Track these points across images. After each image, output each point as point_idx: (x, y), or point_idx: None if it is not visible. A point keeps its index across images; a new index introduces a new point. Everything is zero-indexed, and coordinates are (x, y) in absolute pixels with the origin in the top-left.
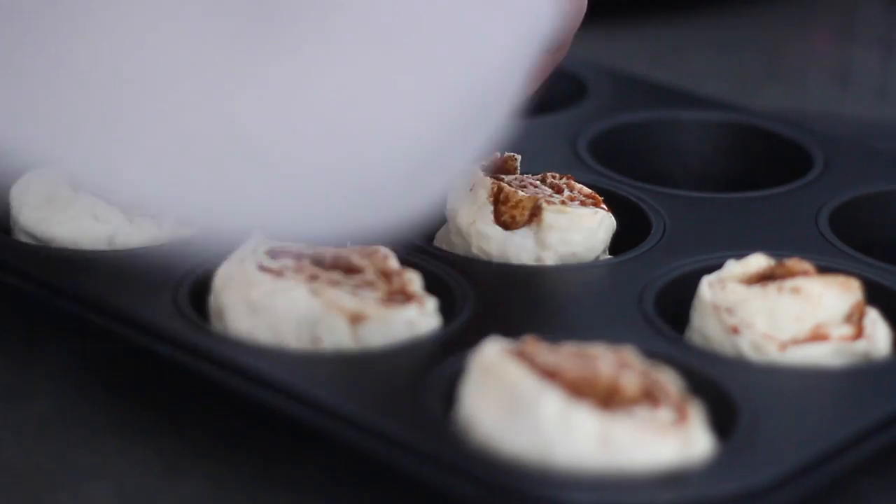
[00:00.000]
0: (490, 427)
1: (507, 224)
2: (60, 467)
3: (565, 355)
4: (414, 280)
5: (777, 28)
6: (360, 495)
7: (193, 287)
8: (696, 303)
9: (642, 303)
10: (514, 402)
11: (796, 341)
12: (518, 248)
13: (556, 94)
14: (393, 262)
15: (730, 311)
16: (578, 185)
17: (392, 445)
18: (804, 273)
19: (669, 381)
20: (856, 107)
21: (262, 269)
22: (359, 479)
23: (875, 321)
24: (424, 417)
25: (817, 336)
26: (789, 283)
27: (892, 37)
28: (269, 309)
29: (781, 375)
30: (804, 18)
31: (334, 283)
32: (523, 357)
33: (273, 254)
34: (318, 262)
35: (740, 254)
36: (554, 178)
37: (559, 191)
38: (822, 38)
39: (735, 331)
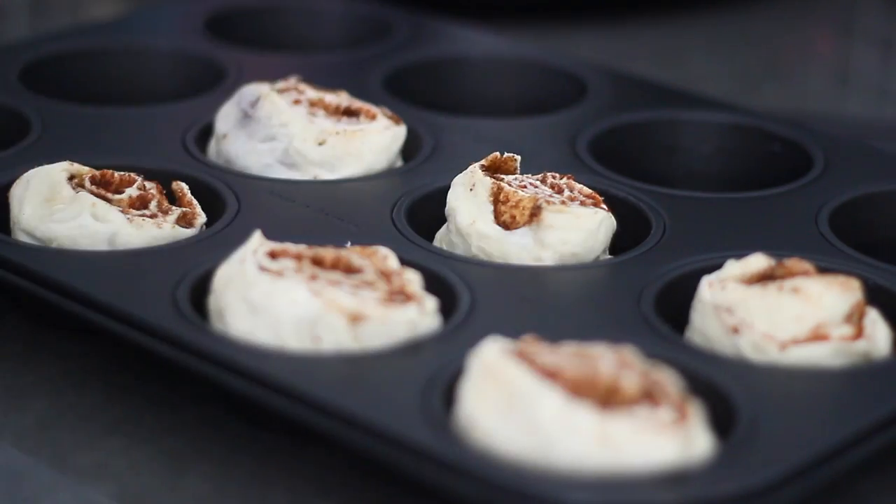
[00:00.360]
0: (490, 427)
1: (507, 224)
2: (60, 467)
3: (565, 355)
4: (413, 280)
5: (777, 28)
6: (359, 495)
7: (193, 287)
8: (697, 303)
9: (642, 303)
10: (513, 402)
11: (796, 341)
12: (518, 247)
13: (556, 94)
14: (393, 262)
15: (730, 311)
16: (579, 186)
17: (392, 445)
18: (804, 273)
19: (670, 381)
20: (856, 107)
21: (262, 269)
22: (359, 479)
23: (875, 321)
24: (424, 417)
25: (817, 336)
26: (789, 283)
27: (892, 37)
28: (269, 309)
29: (781, 375)
30: (804, 18)
31: (334, 283)
32: (523, 357)
33: (273, 254)
34: (318, 263)
35: (740, 254)
36: (554, 178)
37: (559, 191)
38: (822, 38)
39: (735, 331)
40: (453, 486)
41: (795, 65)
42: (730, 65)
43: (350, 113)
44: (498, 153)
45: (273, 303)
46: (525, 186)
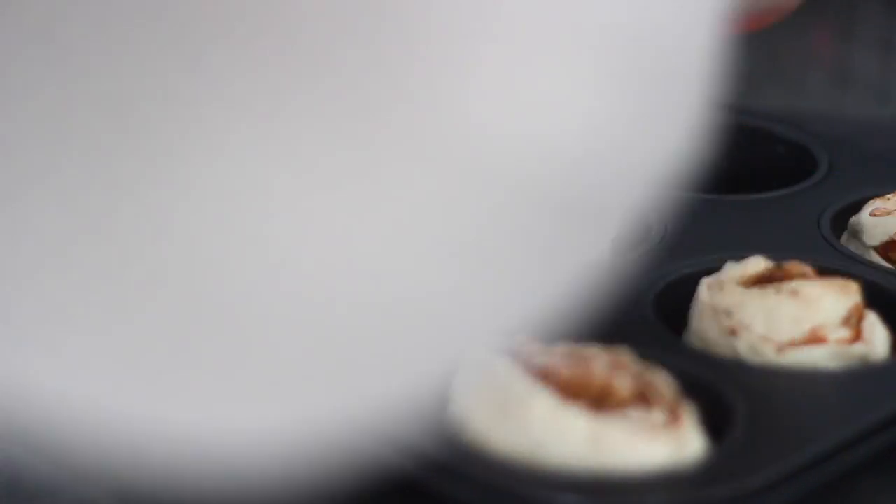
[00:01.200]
0: (482, 427)
1: None
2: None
3: (559, 356)
4: None
5: (777, 28)
6: (352, 494)
7: None
8: (695, 305)
9: (641, 304)
10: (506, 403)
11: (794, 344)
12: None
13: None
14: None
15: (728, 313)
16: None
17: (383, 445)
18: (803, 276)
19: (663, 382)
20: (856, 107)
21: None
22: (353, 478)
23: (874, 324)
24: (417, 417)
25: (815, 339)
26: (788, 286)
27: (891, 37)
28: None
29: (778, 377)
30: (804, 19)
31: None
32: (517, 357)
33: None
34: None
35: (741, 256)
36: None
37: None
38: (821, 39)
39: (733, 333)
40: (445, 487)
41: (795, 65)
42: (729, 65)
43: None
44: None
45: None
46: None
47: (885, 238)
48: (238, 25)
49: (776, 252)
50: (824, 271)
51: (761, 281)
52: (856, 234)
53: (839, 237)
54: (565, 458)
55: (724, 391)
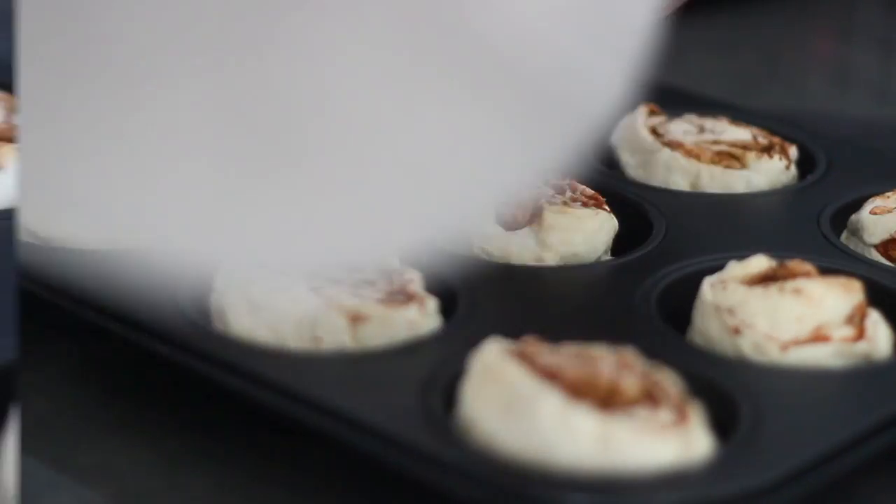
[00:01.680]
0: (490, 427)
1: (508, 224)
2: (60, 467)
3: (566, 356)
4: (415, 280)
5: (777, 28)
6: (360, 495)
7: (195, 286)
8: (698, 303)
9: (644, 304)
10: (513, 403)
11: (797, 342)
12: (519, 247)
13: None
14: (393, 261)
15: (731, 311)
16: (581, 186)
17: (391, 446)
18: (806, 274)
19: (670, 381)
20: (856, 107)
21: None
22: (359, 479)
23: (876, 322)
24: (424, 418)
25: (818, 337)
26: (791, 284)
27: (891, 38)
28: (270, 308)
29: (782, 376)
30: (804, 19)
31: (335, 282)
32: (524, 357)
33: None
34: None
35: (742, 255)
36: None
37: (561, 191)
38: (821, 39)
39: (736, 332)
40: (453, 487)
41: (795, 65)
42: (730, 65)
43: None
44: None
45: (273, 301)
46: None
47: (886, 236)
48: None
49: (777, 250)
50: (826, 270)
51: (764, 279)
52: (856, 232)
53: (839, 235)
54: (573, 457)
55: (727, 390)
